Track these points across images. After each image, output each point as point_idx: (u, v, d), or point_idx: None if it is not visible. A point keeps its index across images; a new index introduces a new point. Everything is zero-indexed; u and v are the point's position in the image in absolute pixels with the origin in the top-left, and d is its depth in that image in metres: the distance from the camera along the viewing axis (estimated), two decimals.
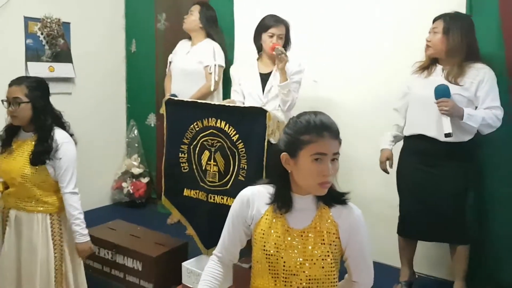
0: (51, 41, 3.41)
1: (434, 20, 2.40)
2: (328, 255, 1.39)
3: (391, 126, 2.62)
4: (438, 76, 2.40)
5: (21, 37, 3.27)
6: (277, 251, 1.41)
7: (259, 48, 2.82)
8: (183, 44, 3.47)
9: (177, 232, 3.30)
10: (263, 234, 1.44)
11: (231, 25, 3.48)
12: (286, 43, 2.81)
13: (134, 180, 3.96)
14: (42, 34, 3.38)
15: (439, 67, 2.43)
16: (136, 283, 2.57)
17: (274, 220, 1.44)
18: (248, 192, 1.50)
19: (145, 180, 3.99)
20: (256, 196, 1.48)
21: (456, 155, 2.35)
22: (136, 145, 4.07)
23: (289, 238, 1.41)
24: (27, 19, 3.29)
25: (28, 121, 2.07)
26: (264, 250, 1.43)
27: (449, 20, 2.33)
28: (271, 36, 2.72)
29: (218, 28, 3.39)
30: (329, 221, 1.41)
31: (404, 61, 2.60)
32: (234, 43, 3.50)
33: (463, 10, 2.53)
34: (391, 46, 2.87)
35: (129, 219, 3.20)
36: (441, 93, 2.26)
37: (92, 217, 3.69)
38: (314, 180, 1.35)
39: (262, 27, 2.76)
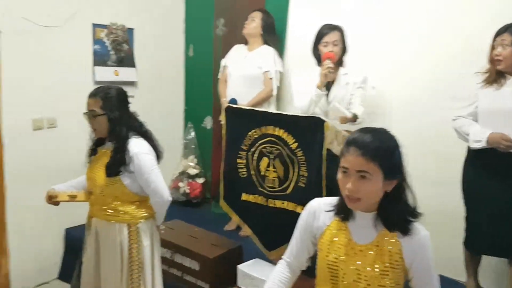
0: (116, 46, 3.58)
1: (499, 33, 2.34)
2: (388, 274, 1.40)
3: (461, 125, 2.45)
4: (509, 87, 2.34)
5: (89, 43, 3.45)
6: (338, 262, 1.46)
7: (319, 59, 2.83)
8: (239, 49, 3.54)
9: (231, 233, 3.39)
10: (327, 244, 1.50)
11: (283, 30, 3.52)
12: (343, 49, 2.83)
13: (190, 180, 4.09)
14: (108, 40, 3.55)
15: (509, 79, 2.35)
16: (193, 282, 2.66)
17: (338, 232, 1.49)
18: (315, 203, 1.58)
19: (200, 180, 4.11)
20: (322, 208, 1.55)
21: None
22: (193, 146, 4.20)
23: (350, 252, 1.45)
24: (95, 26, 3.46)
25: (107, 132, 2.10)
26: (326, 259, 1.49)
27: None
28: (326, 45, 2.76)
29: (275, 35, 3.45)
30: (392, 240, 1.43)
31: (461, 61, 2.59)
32: (285, 49, 3.53)
33: None
34: (448, 45, 2.77)
35: (184, 218, 3.31)
36: None
37: None
38: (342, 192, 1.41)
39: (317, 38, 2.82)
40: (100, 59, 3.53)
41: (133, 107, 3.73)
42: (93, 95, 2.09)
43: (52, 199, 2.21)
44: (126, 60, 3.70)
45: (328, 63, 2.67)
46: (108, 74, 3.57)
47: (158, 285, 2.26)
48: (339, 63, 2.82)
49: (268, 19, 3.38)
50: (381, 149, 1.36)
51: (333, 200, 1.53)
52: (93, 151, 2.22)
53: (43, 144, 3.18)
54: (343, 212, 1.48)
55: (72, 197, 2.22)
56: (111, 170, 2.06)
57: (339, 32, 2.80)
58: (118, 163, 2.05)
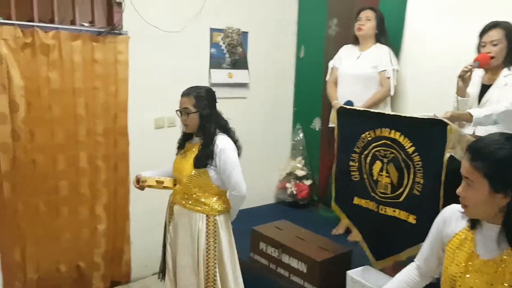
0: (231, 50, 3.72)
1: None
2: None
3: None
4: None
5: (207, 46, 3.62)
6: (457, 275, 1.37)
7: None
8: (349, 49, 3.45)
9: (338, 238, 3.32)
10: (451, 252, 1.42)
11: (401, 28, 3.36)
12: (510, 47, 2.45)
13: (297, 181, 4.10)
14: (224, 43, 3.69)
15: None
16: (301, 284, 2.65)
17: (464, 241, 1.40)
18: (449, 209, 1.51)
19: (308, 182, 4.10)
20: (456, 215, 1.47)
21: None
22: (301, 148, 4.20)
23: (470, 265, 1.35)
24: (212, 30, 3.62)
25: (197, 128, 2.26)
26: (448, 270, 1.41)
27: None
28: (484, 46, 2.47)
29: (386, 33, 3.33)
30: None
31: None
32: (402, 47, 3.37)
33: None
34: None
35: (291, 219, 3.32)
36: None
37: (258, 213, 3.97)
38: None
39: (479, 37, 2.52)
40: (215, 62, 3.68)
41: (245, 107, 3.89)
42: (186, 94, 2.25)
43: (140, 183, 2.41)
44: (240, 62, 3.82)
45: (469, 67, 2.39)
46: (223, 76, 3.71)
47: (239, 278, 2.36)
48: (507, 63, 2.47)
49: (381, 17, 3.29)
50: (493, 158, 1.25)
51: None
52: (181, 145, 2.40)
53: (163, 142, 3.38)
54: (471, 220, 1.40)
55: (160, 183, 2.40)
56: (200, 162, 2.22)
57: (502, 29, 2.42)
58: (207, 156, 2.21)
